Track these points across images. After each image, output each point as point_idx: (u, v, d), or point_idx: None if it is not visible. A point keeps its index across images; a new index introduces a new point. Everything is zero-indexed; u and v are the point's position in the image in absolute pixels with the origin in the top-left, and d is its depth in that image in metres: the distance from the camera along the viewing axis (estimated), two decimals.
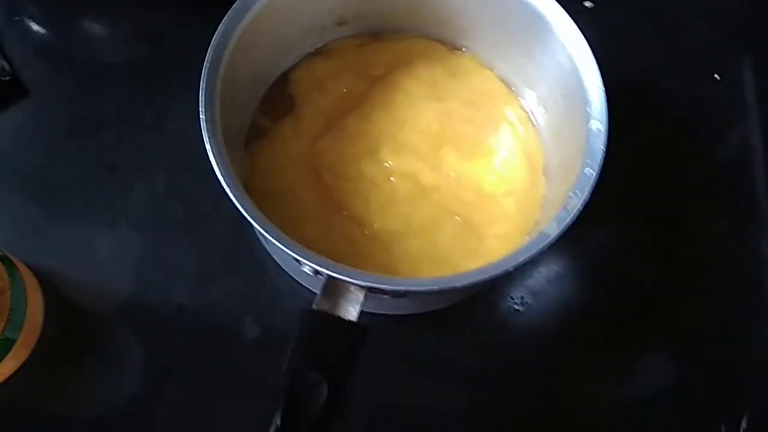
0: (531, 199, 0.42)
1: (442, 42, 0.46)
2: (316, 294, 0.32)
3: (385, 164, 0.41)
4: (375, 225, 0.40)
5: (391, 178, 0.41)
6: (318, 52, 0.45)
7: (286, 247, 0.31)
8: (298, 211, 0.40)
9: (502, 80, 0.45)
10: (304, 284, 0.43)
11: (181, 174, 0.45)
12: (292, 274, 0.43)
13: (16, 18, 0.50)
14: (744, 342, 0.45)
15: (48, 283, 0.42)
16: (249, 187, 0.40)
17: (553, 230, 0.32)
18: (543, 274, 0.45)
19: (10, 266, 0.39)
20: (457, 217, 0.41)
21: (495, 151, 0.43)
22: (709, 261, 0.47)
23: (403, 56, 0.45)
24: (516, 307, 0.44)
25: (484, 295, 0.44)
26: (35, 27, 0.51)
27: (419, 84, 0.44)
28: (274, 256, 0.43)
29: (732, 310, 0.45)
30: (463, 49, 0.46)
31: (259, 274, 0.43)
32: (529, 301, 0.44)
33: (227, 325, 0.42)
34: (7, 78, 0.47)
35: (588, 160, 0.34)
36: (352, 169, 0.41)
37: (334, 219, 0.40)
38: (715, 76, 0.52)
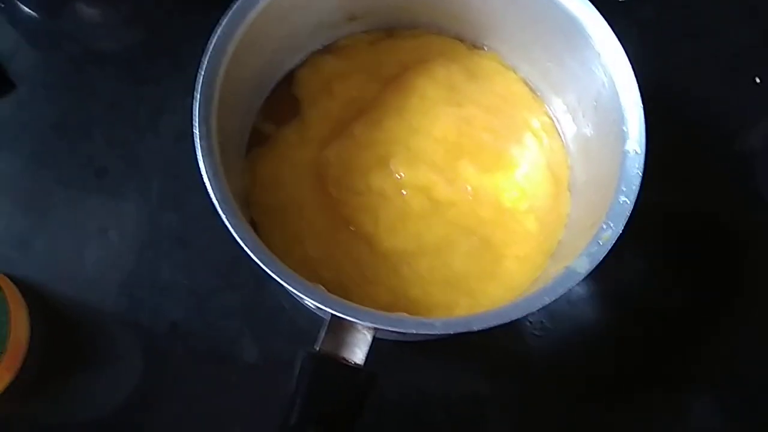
0: (554, 216, 0.38)
1: (461, 40, 0.42)
2: (318, 313, 0.29)
3: (397, 176, 0.38)
4: (384, 243, 0.37)
5: (403, 192, 0.38)
6: (327, 50, 0.42)
7: (289, 285, 0.28)
8: (302, 225, 0.37)
9: (527, 84, 0.41)
10: (306, 303, 0.40)
11: (176, 180, 0.42)
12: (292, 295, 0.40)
13: (3, 3, 0.47)
14: None
15: (34, 297, 0.40)
16: (249, 197, 0.37)
17: (584, 268, 0.29)
18: (564, 297, 0.42)
19: None
20: (473, 236, 0.38)
21: (517, 164, 0.39)
22: (743, 289, 0.43)
23: (418, 55, 0.42)
24: (535, 332, 0.41)
25: None
26: (25, 12, 0.47)
27: (436, 86, 0.40)
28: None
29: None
30: (485, 48, 0.42)
31: (259, 290, 0.41)
32: (549, 326, 0.41)
33: (224, 345, 0.40)
34: None
35: (623, 188, 0.31)
36: (360, 181, 0.38)
37: (341, 236, 0.38)
38: (757, 78, 0.48)
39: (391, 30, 0.42)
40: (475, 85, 0.41)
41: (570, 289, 0.29)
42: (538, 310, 0.40)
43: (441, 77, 0.41)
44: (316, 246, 0.37)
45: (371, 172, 0.38)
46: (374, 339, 0.29)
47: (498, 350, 0.41)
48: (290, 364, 0.29)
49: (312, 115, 0.40)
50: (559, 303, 0.41)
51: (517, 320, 0.40)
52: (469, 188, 0.39)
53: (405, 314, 0.30)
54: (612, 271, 0.41)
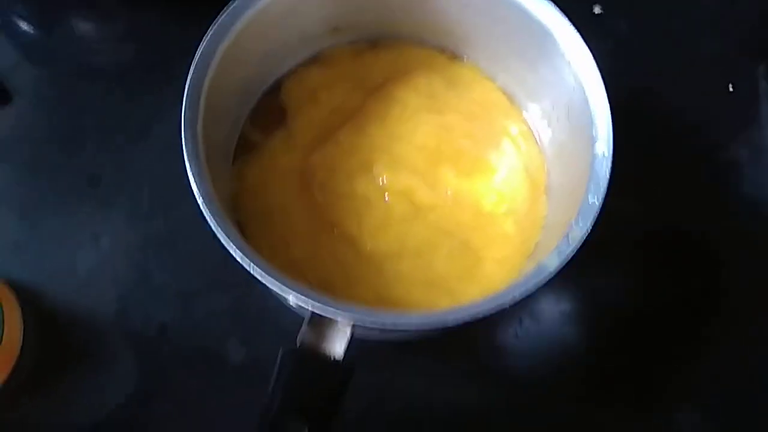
0: (532, 219, 0.39)
1: (442, 51, 0.43)
2: (299, 313, 0.30)
3: (380, 181, 0.39)
4: (367, 245, 0.38)
5: (386, 196, 0.39)
6: (312, 61, 0.43)
7: (269, 280, 0.29)
8: (288, 228, 0.38)
9: (504, 92, 0.43)
10: (288, 299, 0.41)
11: (165, 188, 0.43)
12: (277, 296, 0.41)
13: (4, 19, 0.48)
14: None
15: (28, 299, 0.41)
16: (237, 202, 0.39)
17: (554, 263, 0.30)
18: (546, 297, 0.43)
19: None
20: (453, 239, 0.39)
21: (495, 169, 0.40)
22: (724, 291, 0.44)
23: (400, 65, 0.43)
24: (516, 331, 0.42)
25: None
26: (21, 28, 0.49)
27: (417, 95, 0.42)
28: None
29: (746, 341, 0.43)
30: (464, 58, 0.43)
31: (245, 293, 0.42)
32: (529, 326, 0.42)
33: (212, 345, 0.41)
34: None
35: (592, 188, 0.32)
36: (344, 185, 0.39)
37: (325, 238, 0.39)
38: (730, 86, 0.49)
39: (374, 41, 0.43)
40: (455, 93, 0.42)
41: (541, 285, 0.30)
42: (519, 312, 0.42)
43: (422, 86, 0.42)
44: (301, 248, 0.38)
45: (355, 178, 0.39)
46: (353, 335, 0.30)
47: (481, 348, 0.42)
48: (275, 362, 0.30)
49: (298, 123, 0.41)
50: (541, 304, 0.43)
51: (500, 320, 0.42)
52: (449, 193, 0.40)
53: (382, 310, 0.31)
54: (592, 281, 0.43)
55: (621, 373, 0.42)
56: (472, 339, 0.42)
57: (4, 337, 0.37)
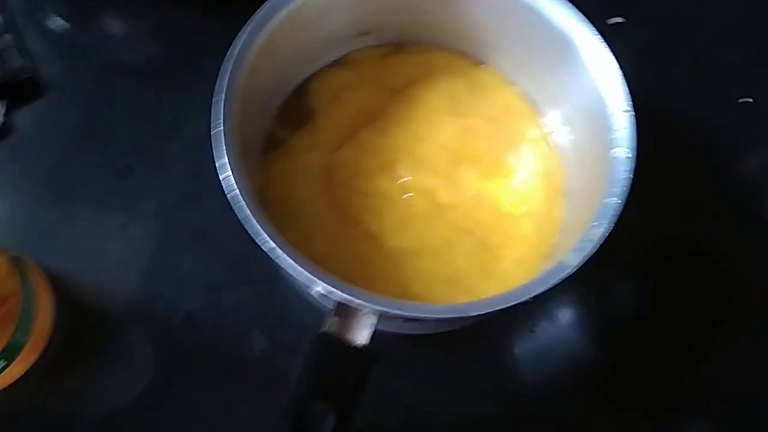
0: (549, 221, 0.41)
1: (465, 56, 0.45)
2: (326, 308, 0.31)
3: (402, 180, 0.41)
4: (389, 242, 0.39)
5: (408, 195, 0.40)
6: (338, 63, 0.44)
7: (300, 269, 0.30)
8: (312, 224, 0.40)
9: (525, 97, 0.44)
10: (314, 298, 0.42)
11: (195, 180, 0.44)
12: (302, 291, 0.42)
13: (39, 14, 0.50)
14: None
15: (59, 285, 0.42)
16: (263, 196, 0.40)
17: (574, 261, 0.32)
18: (560, 297, 0.44)
19: (22, 268, 0.38)
20: (473, 237, 0.40)
21: (514, 171, 0.42)
22: (734, 300, 0.45)
23: (424, 69, 0.44)
24: (530, 330, 0.43)
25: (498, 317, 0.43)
26: (56, 23, 0.50)
27: (440, 98, 0.43)
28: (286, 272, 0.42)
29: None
30: (486, 64, 0.45)
31: (270, 286, 0.43)
32: (544, 324, 0.43)
33: (235, 336, 0.42)
34: (29, 76, 0.46)
35: (612, 189, 0.33)
36: (367, 183, 0.41)
37: (348, 234, 0.40)
38: (742, 99, 0.50)
39: (399, 45, 0.45)
40: (477, 97, 0.43)
41: (562, 281, 0.31)
42: (530, 318, 0.43)
43: (445, 90, 0.43)
44: (325, 244, 0.39)
45: (378, 176, 0.41)
46: (377, 325, 0.31)
47: (496, 345, 0.43)
48: (297, 355, 0.31)
49: (323, 122, 0.42)
50: (556, 304, 0.44)
51: (515, 319, 0.43)
52: (470, 193, 0.41)
53: (406, 301, 0.32)
54: (602, 289, 0.44)
55: (630, 382, 0.43)
56: (486, 333, 0.43)
57: (37, 320, 0.38)
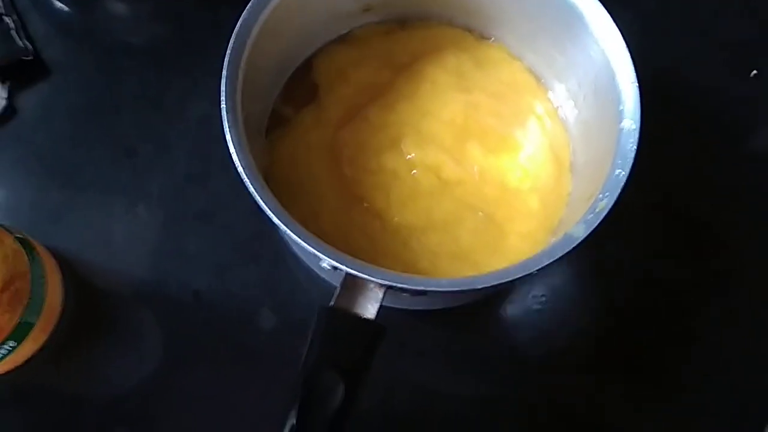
0: (556, 196, 0.41)
1: (471, 31, 0.44)
2: (333, 286, 0.32)
3: (408, 156, 0.41)
4: (395, 219, 0.40)
5: (413, 171, 0.40)
6: (342, 39, 0.44)
7: (306, 243, 0.31)
8: (318, 201, 0.40)
9: (532, 72, 0.44)
10: (322, 276, 0.42)
11: (200, 160, 0.45)
12: (311, 266, 0.42)
13: None
14: None
15: (66, 266, 0.42)
16: (269, 175, 0.40)
17: (581, 233, 0.32)
18: (566, 273, 0.44)
19: (30, 249, 0.39)
20: (479, 213, 0.40)
21: (521, 146, 0.42)
22: (737, 271, 0.45)
23: (429, 45, 0.44)
24: (537, 305, 0.43)
25: (504, 292, 0.44)
26: (58, 5, 0.50)
27: (445, 74, 0.43)
28: (294, 248, 0.43)
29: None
30: (492, 39, 0.44)
31: (277, 264, 0.43)
32: (550, 300, 0.43)
33: (244, 314, 0.42)
34: (30, 58, 0.47)
35: (619, 161, 0.33)
36: (373, 160, 0.41)
37: (354, 211, 0.40)
38: (754, 71, 0.50)
39: (404, 21, 0.44)
40: (483, 73, 0.43)
41: (568, 254, 0.31)
42: (539, 284, 0.43)
43: (451, 65, 0.43)
44: (331, 221, 0.39)
45: (384, 153, 0.41)
46: (383, 299, 0.32)
47: (501, 321, 0.43)
48: (305, 332, 0.31)
49: (328, 100, 0.42)
50: (561, 279, 0.44)
51: (521, 294, 0.43)
52: (476, 168, 0.41)
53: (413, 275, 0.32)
54: (616, 250, 0.44)
55: (638, 357, 0.43)
56: (492, 309, 0.43)
57: (46, 300, 0.39)
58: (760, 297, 0.45)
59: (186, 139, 0.45)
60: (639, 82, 0.34)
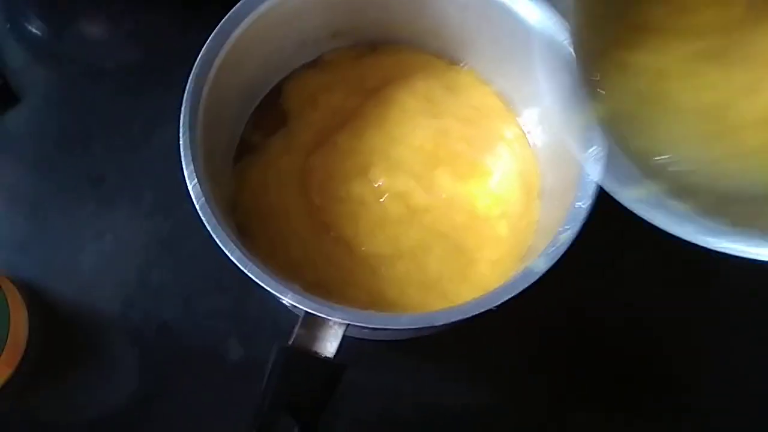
0: (525, 223, 0.41)
1: (441, 56, 0.44)
2: (295, 312, 0.31)
3: (376, 184, 0.41)
4: (363, 247, 0.40)
5: (382, 199, 0.40)
6: (312, 64, 0.44)
7: (262, 282, 0.30)
8: (286, 229, 0.40)
9: (501, 97, 0.43)
10: (288, 306, 0.42)
11: (167, 189, 0.44)
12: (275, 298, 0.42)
13: (8, 24, 0.50)
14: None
15: (32, 298, 0.42)
16: (237, 202, 0.40)
17: (541, 266, 0.31)
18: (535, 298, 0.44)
19: None
20: (448, 241, 0.40)
21: (490, 172, 0.42)
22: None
23: (399, 70, 0.44)
24: (504, 331, 0.43)
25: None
26: (29, 30, 0.50)
27: (415, 99, 0.43)
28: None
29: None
30: (462, 64, 0.44)
31: (245, 294, 0.43)
32: (517, 325, 0.43)
33: (211, 345, 0.42)
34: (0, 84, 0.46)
35: (580, 192, 0.33)
36: (341, 188, 0.41)
37: (322, 240, 0.40)
38: None
39: (374, 45, 0.44)
40: (453, 98, 0.43)
41: (528, 287, 0.31)
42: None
43: (420, 90, 0.43)
44: (298, 249, 0.39)
45: (352, 180, 0.41)
46: (345, 335, 0.31)
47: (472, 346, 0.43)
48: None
49: (297, 126, 0.42)
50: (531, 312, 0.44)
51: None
52: (444, 195, 0.41)
53: (373, 311, 0.32)
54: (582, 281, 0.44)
55: (615, 372, 0.43)
56: (463, 338, 0.43)
57: (9, 333, 0.39)
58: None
59: (153, 167, 0.45)
60: None
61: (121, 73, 0.49)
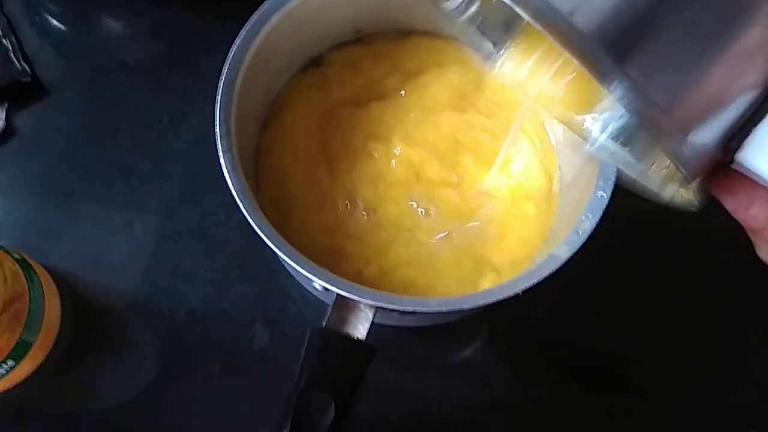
0: (547, 207, 0.42)
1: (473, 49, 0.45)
2: (326, 302, 0.33)
3: (395, 149, 0.42)
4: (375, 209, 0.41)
5: (393, 162, 0.42)
6: (355, 40, 0.45)
7: (298, 265, 0.32)
8: (302, 188, 0.41)
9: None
10: (314, 293, 0.43)
11: (195, 179, 0.46)
12: (303, 284, 0.44)
13: (36, 17, 0.51)
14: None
15: (64, 285, 0.43)
16: (259, 164, 0.41)
17: (564, 254, 0.33)
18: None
19: (28, 270, 0.40)
20: (476, 217, 0.41)
21: (512, 160, 0.43)
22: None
23: (436, 59, 0.45)
24: (527, 319, 0.44)
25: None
26: (54, 25, 0.52)
27: (448, 94, 0.44)
28: (287, 267, 0.44)
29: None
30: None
31: (270, 281, 0.44)
32: (543, 312, 0.44)
33: (238, 331, 0.43)
34: (27, 79, 0.48)
35: (601, 182, 0.35)
36: (358, 142, 0.42)
37: (335, 202, 0.41)
38: None
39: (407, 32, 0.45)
40: (480, 93, 0.45)
41: (553, 274, 0.32)
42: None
43: (454, 85, 0.44)
44: (312, 211, 0.40)
45: (370, 140, 0.42)
46: (375, 317, 0.33)
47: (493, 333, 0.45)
48: (299, 347, 0.32)
49: (335, 83, 0.44)
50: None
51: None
52: (468, 176, 0.42)
53: (402, 295, 0.34)
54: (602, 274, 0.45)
55: (629, 367, 0.45)
56: (482, 334, 0.45)
57: (44, 319, 0.40)
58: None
59: (181, 157, 0.47)
60: None
61: (146, 66, 0.50)
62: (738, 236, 0.26)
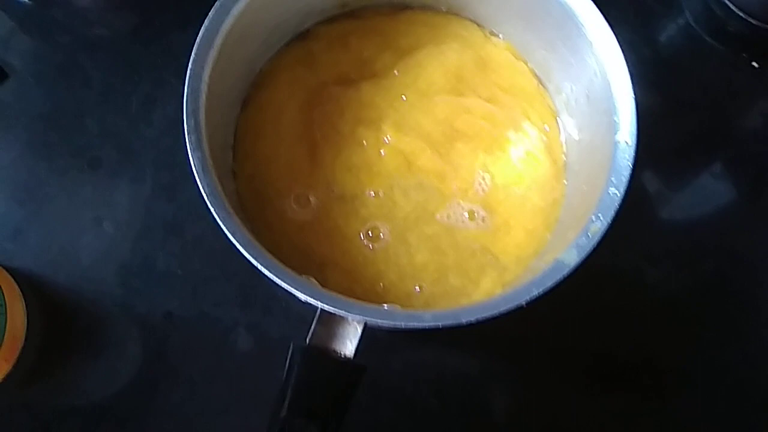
0: (553, 197, 0.39)
1: (478, 25, 0.42)
2: (312, 306, 0.30)
3: (385, 137, 0.39)
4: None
5: (383, 151, 0.39)
6: (345, 14, 0.42)
7: (279, 278, 0.29)
8: (282, 170, 0.38)
9: (533, 75, 0.41)
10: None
11: (169, 169, 0.43)
12: None
13: None
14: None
15: (30, 287, 0.41)
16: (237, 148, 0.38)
17: (573, 259, 0.30)
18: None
19: None
20: (480, 209, 0.39)
21: (514, 148, 0.40)
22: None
23: (433, 34, 0.42)
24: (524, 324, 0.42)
25: None
26: None
27: (445, 76, 0.41)
28: None
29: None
30: (501, 36, 0.42)
31: (253, 280, 0.41)
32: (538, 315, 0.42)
33: (219, 334, 0.41)
34: None
35: (613, 179, 0.32)
36: (346, 127, 0.39)
37: (315, 182, 0.38)
38: (753, 64, 0.48)
39: (403, 6, 0.42)
40: (481, 76, 0.42)
41: (560, 282, 0.30)
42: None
43: (452, 65, 0.41)
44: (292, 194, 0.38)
45: (359, 125, 0.39)
46: (365, 330, 0.30)
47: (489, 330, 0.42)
48: (284, 351, 0.30)
49: (323, 60, 0.41)
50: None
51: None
52: (465, 164, 0.39)
53: (395, 307, 0.31)
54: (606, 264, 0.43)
55: (627, 363, 0.43)
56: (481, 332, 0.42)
57: (6, 329, 0.38)
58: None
59: (153, 146, 0.44)
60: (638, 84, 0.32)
61: (115, 43, 0.47)
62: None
